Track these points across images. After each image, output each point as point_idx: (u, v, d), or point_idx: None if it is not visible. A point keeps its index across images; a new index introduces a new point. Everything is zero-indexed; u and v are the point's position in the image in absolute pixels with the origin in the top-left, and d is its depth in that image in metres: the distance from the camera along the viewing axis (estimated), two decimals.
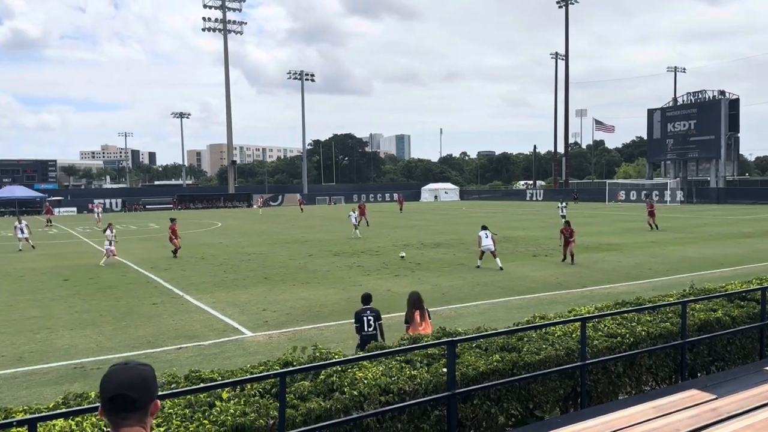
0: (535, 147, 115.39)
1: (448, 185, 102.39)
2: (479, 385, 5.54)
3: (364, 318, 8.70)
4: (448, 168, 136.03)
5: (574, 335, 6.60)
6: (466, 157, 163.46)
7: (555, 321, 6.89)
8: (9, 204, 69.70)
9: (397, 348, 5.70)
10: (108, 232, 23.59)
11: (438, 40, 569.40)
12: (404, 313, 8.93)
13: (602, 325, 7.02)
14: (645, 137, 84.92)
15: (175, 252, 24.64)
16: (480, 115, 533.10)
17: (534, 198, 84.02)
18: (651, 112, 76.57)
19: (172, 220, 26.09)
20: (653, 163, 78.99)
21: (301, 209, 64.35)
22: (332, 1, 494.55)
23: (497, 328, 6.82)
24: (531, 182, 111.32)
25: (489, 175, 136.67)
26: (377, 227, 39.05)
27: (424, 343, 5.91)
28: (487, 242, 20.28)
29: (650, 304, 7.79)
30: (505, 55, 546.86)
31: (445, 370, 5.41)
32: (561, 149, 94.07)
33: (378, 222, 44.18)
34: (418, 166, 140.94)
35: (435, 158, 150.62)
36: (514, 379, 5.76)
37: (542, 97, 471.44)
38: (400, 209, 57.70)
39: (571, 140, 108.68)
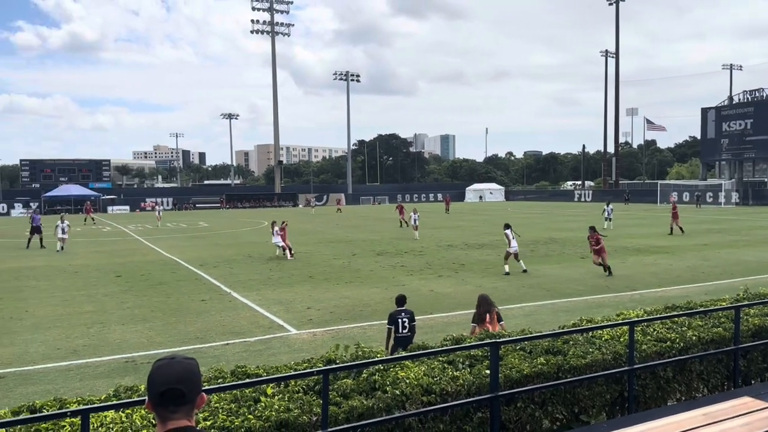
0: (584, 147, 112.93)
1: (494, 185, 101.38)
2: (523, 388, 5.47)
3: (399, 320, 8.68)
4: (493, 168, 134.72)
5: (621, 339, 6.45)
6: (512, 157, 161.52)
7: (602, 324, 6.74)
8: (65, 202, 72.54)
9: (440, 348, 5.68)
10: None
11: (485, 39, 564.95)
12: (472, 313, 8.85)
13: (651, 329, 6.83)
14: (698, 137, 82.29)
15: (289, 250, 24.01)
16: (527, 114, 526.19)
17: (582, 199, 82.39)
18: (705, 111, 74.08)
19: (284, 222, 26.36)
20: (707, 163, 76.47)
21: (339, 209, 64.35)
22: (379, 1, 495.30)
23: (542, 331, 6.72)
24: (579, 183, 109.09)
25: (535, 176, 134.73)
26: (420, 228, 38.97)
27: (466, 344, 5.88)
28: (515, 243, 19.30)
29: (702, 309, 7.54)
30: (554, 54, 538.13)
31: (488, 371, 5.37)
32: (611, 149, 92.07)
33: (421, 222, 44.08)
34: (462, 166, 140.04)
35: (480, 158, 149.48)
36: (559, 383, 5.67)
37: (592, 95, 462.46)
38: (447, 210, 57.15)
39: (621, 140, 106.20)
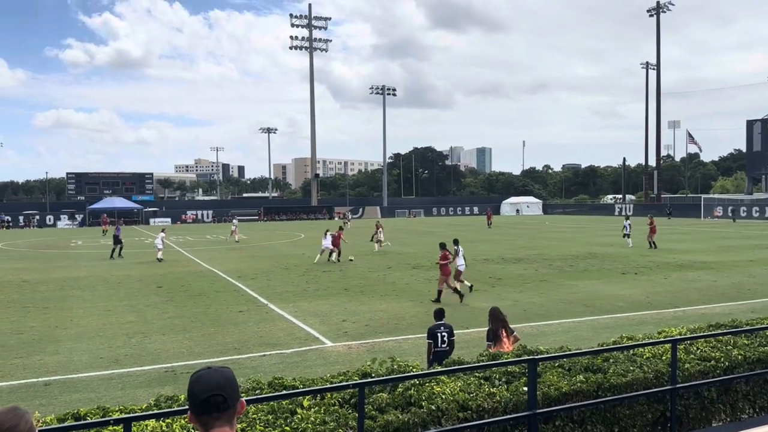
0: (624, 159, 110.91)
1: (531, 199, 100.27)
2: (562, 406, 5.38)
3: (438, 334, 8.62)
4: (530, 181, 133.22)
5: (664, 357, 6.29)
6: (550, 170, 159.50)
7: (644, 342, 6.59)
8: (109, 214, 74.52)
9: (476, 364, 5.64)
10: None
11: (524, 51, 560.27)
12: (486, 330, 8.71)
13: (695, 348, 6.64)
14: (744, 150, 79.94)
15: (338, 254, 27.15)
16: (566, 126, 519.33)
17: (623, 213, 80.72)
18: (750, 124, 72.07)
19: (341, 228, 28.89)
20: (753, 177, 74.15)
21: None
22: (417, 15, 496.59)
23: (581, 348, 6.60)
24: (620, 196, 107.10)
25: (574, 189, 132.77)
26: None
27: (503, 360, 5.81)
28: (460, 260, 17.77)
29: (748, 327, 7.30)
30: (593, 66, 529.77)
31: (525, 388, 5.29)
32: (652, 162, 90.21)
33: (457, 236, 43.85)
34: (499, 179, 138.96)
35: (517, 171, 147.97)
36: (598, 401, 5.55)
37: (633, 107, 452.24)
38: (489, 224, 55.26)
39: (663, 152, 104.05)
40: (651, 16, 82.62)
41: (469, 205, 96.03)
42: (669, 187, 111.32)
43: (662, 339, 6.59)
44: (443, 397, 5.05)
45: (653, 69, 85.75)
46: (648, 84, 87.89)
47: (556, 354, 5.95)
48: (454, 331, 8.98)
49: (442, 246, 17.38)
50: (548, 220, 69.47)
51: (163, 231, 31.78)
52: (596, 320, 14.12)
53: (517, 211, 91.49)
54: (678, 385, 5.91)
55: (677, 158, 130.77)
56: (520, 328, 13.29)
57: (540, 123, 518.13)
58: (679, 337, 6.62)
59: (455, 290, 16.79)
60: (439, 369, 5.81)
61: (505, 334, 8.33)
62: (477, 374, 5.60)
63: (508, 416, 5.13)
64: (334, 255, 27.17)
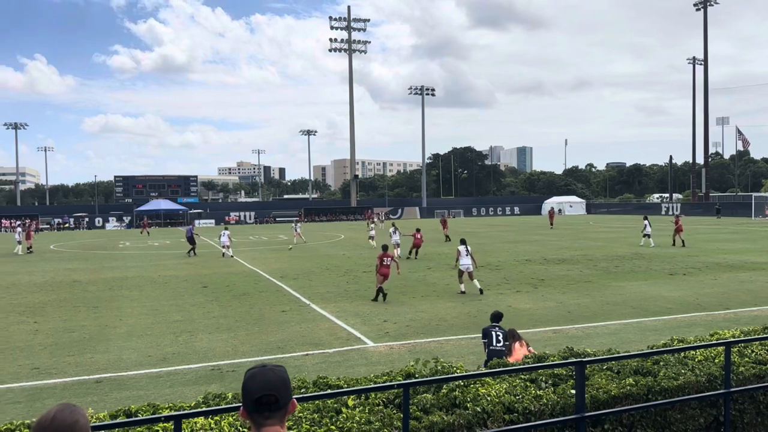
0: (671, 158, 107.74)
1: (574, 198, 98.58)
2: (611, 410, 5.26)
3: (493, 333, 8.57)
4: (573, 180, 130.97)
5: (716, 360, 6.10)
6: (593, 169, 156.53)
7: (695, 345, 6.40)
8: (156, 216, 76.49)
9: (522, 366, 5.57)
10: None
11: (566, 48, 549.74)
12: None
13: (749, 351, 6.42)
14: None
15: (416, 252, 28.81)
16: (609, 124, 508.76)
17: (670, 212, 78.62)
18: None
19: (418, 230, 29.81)
20: None
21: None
22: (458, 14, 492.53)
23: (629, 351, 6.46)
24: (666, 195, 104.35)
25: (619, 188, 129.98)
26: (497, 241, 38.44)
27: (550, 363, 5.73)
28: (467, 260, 17.81)
29: None
30: (638, 62, 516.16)
31: (572, 391, 5.20)
32: (700, 160, 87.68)
33: (497, 236, 43.46)
34: (540, 179, 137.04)
35: (559, 170, 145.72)
36: (648, 405, 5.41)
37: (679, 104, 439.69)
38: (551, 224, 51.89)
39: (711, 150, 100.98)
40: (698, 10, 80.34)
41: (510, 205, 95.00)
42: (718, 185, 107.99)
43: (715, 341, 6.40)
44: (489, 398, 5.00)
45: (700, 64, 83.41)
46: (695, 80, 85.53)
47: (605, 356, 5.82)
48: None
49: (384, 248, 17.87)
50: (592, 220, 68.18)
51: (226, 229, 32.93)
52: (643, 322, 13.78)
53: (560, 210, 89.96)
54: (732, 389, 5.72)
55: (726, 156, 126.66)
56: (564, 330, 13.10)
57: (583, 121, 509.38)
58: (732, 339, 6.41)
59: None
60: (484, 371, 5.76)
61: (517, 347, 8.20)
62: (523, 376, 5.53)
63: (556, 419, 5.04)
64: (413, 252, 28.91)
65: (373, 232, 37.31)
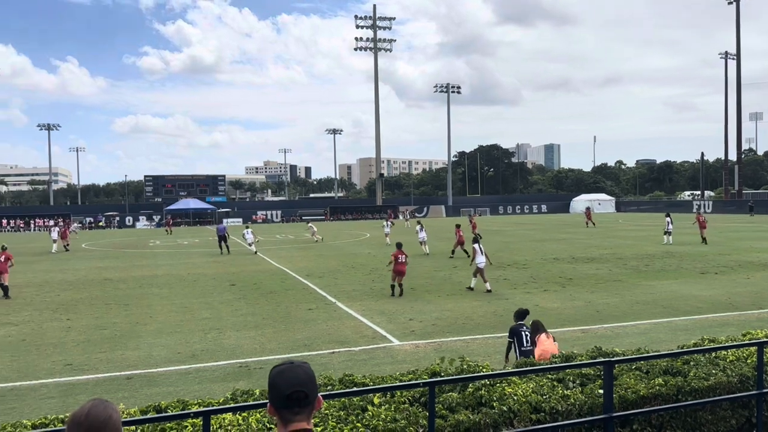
0: (702, 154, 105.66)
1: (602, 196, 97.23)
2: (640, 410, 5.20)
3: (522, 332, 8.49)
4: (602, 178, 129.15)
5: (749, 361, 5.97)
6: (623, 166, 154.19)
7: (726, 345, 6.28)
8: (184, 215, 77.60)
9: (549, 365, 5.52)
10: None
11: (594, 44, 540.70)
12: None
13: None
14: None
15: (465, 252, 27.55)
16: (639, 121, 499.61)
17: (702, 210, 77.13)
18: None
19: (458, 226, 30.09)
20: None
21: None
22: (484, 11, 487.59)
23: (659, 350, 6.36)
24: (698, 192, 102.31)
25: (649, 185, 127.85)
26: (524, 240, 38.15)
27: (577, 362, 5.67)
28: (482, 258, 18.23)
29: None
30: (668, 57, 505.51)
31: (601, 391, 5.14)
32: (732, 156, 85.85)
33: (524, 234, 43.13)
34: (568, 176, 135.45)
35: (587, 168, 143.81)
36: (678, 405, 5.33)
37: (711, 99, 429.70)
38: (588, 223, 50.23)
39: (744, 146, 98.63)
40: (730, 3, 78.59)
41: (537, 203, 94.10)
42: (751, 182, 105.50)
43: (747, 341, 6.27)
44: (515, 398, 4.98)
45: (732, 59, 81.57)
46: (727, 74, 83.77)
47: (633, 356, 5.75)
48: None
49: (398, 246, 18.78)
50: (621, 218, 67.24)
51: (247, 227, 34.56)
52: (674, 322, 13.56)
53: (588, 209, 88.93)
54: (765, 390, 5.60)
55: (760, 152, 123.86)
56: (593, 329, 12.96)
57: (611, 117, 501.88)
58: (765, 339, 6.26)
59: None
60: (510, 370, 5.73)
61: (543, 338, 8.12)
62: (550, 376, 5.49)
63: (583, 419, 5.00)
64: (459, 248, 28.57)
65: (387, 230, 37.91)
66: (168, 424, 4.40)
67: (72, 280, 23.20)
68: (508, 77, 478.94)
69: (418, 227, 32.53)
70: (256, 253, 31.90)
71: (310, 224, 46.11)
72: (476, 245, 18.56)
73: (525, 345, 8.38)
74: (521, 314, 8.91)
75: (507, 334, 8.97)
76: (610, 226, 52.07)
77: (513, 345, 8.55)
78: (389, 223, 40.48)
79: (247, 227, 34.84)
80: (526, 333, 8.45)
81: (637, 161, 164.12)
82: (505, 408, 4.86)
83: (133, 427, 4.34)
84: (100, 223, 75.04)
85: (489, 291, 17.78)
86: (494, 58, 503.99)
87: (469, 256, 27.12)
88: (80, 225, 72.17)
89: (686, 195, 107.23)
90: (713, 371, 5.72)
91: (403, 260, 17.88)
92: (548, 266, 23.78)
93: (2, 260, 19.54)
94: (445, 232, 47.76)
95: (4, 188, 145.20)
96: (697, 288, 17.85)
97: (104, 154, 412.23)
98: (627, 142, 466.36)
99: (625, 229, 46.32)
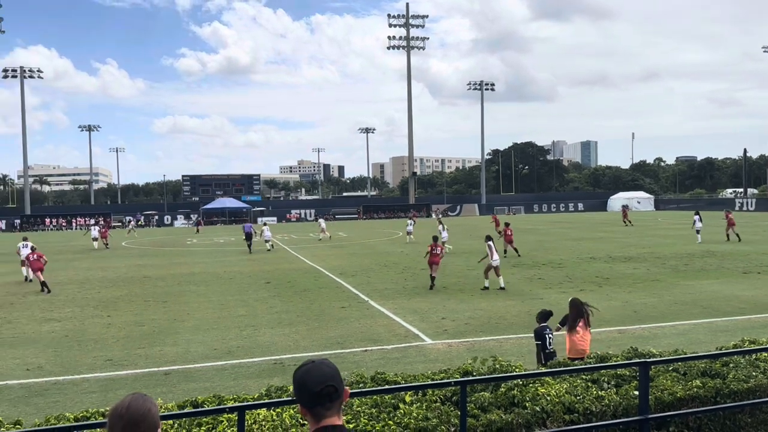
0: (745, 151, 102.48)
1: (641, 194, 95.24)
2: (676, 412, 5.10)
3: (546, 335, 8.42)
4: (640, 175, 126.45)
5: None
6: (662, 163, 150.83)
7: (767, 346, 6.11)
8: (221, 214, 78.83)
9: (583, 366, 5.46)
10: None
11: (633, 39, 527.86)
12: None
13: None
14: None
15: (515, 250, 27.50)
16: (679, 117, 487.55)
17: (745, 207, 74.96)
18: None
19: (507, 224, 29.47)
20: None
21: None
22: (520, 7, 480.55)
23: (697, 352, 6.23)
24: (740, 190, 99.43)
25: (689, 183, 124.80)
26: (560, 239, 37.67)
27: (612, 363, 5.60)
28: (497, 256, 18.71)
29: None
30: (709, 51, 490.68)
31: (636, 392, 5.07)
32: None
33: (559, 233, 42.57)
34: (605, 174, 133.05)
35: (625, 165, 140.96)
36: (717, 408, 5.21)
37: (754, 94, 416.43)
38: (625, 221, 48.97)
39: None
40: None
41: (573, 201, 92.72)
42: None
43: None
44: (548, 398, 4.94)
45: None
46: None
47: (670, 357, 5.65)
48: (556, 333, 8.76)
49: (435, 239, 19.75)
50: (661, 216, 65.78)
51: (265, 225, 37.01)
52: (714, 323, 13.23)
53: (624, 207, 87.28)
54: None
55: None
56: (630, 330, 12.74)
57: (651, 114, 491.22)
58: None
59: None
60: (544, 370, 5.69)
61: (582, 325, 8.11)
62: (584, 376, 5.43)
63: (618, 420, 4.93)
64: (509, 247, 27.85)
65: (410, 228, 38.83)
66: (204, 419, 4.50)
67: (112, 277, 23.80)
68: (543, 73, 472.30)
69: (440, 227, 32.58)
70: (269, 249, 33.71)
71: (320, 220, 47.45)
72: (490, 242, 19.02)
73: (548, 347, 8.32)
74: (545, 315, 8.79)
75: (534, 335, 8.88)
76: (648, 224, 51.01)
77: (540, 348, 8.48)
78: (412, 221, 41.06)
79: (265, 225, 37.40)
80: (550, 336, 8.40)
81: (677, 158, 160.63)
82: (537, 408, 4.83)
83: (171, 421, 4.45)
84: (140, 222, 76.79)
85: (503, 288, 18.06)
86: (529, 54, 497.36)
87: (519, 255, 26.97)
88: (136, 222, 73.79)
89: (728, 193, 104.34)
90: (753, 373, 5.59)
91: (438, 252, 18.93)
92: (584, 265, 23.44)
93: (35, 258, 20.75)
94: (478, 230, 47.46)
95: (47, 188, 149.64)
96: (738, 288, 17.38)
97: (143, 154, 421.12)
98: (666, 138, 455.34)
99: (664, 228, 45.33)
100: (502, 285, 18.21)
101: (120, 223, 76.28)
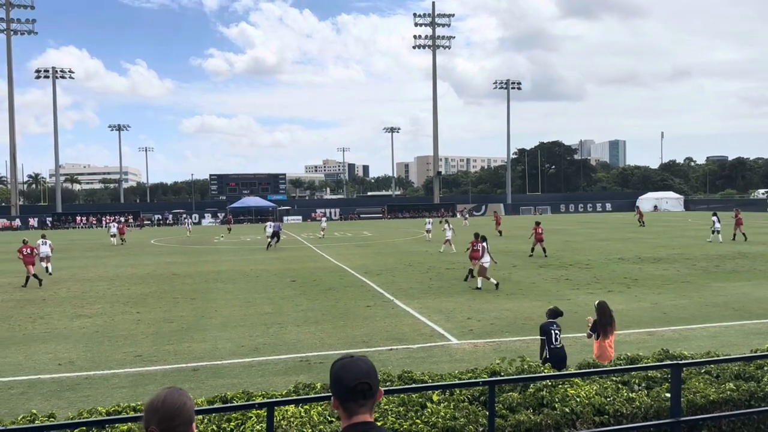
0: None
1: (670, 194, 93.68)
2: (709, 415, 5.01)
3: (552, 331, 8.37)
4: (670, 175, 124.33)
5: None
6: (692, 163, 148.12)
7: None
8: (247, 212, 79.60)
9: (613, 367, 5.40)
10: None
11: (663, 37, 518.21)
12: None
13: None
14: None
15: (543, 249, 27.39)
16: (710, 116, 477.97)
17: None
18: None
19: (538, 223, 29.07)
20: None
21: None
22: (548, 5, 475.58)
23: (730, 354, 6.11)
24: None
25: (720, 183, 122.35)
26: (587, 239, 37.23)
27: (643, 365, 5.52)
28: (487, 257, 18.80)
29: None
30: (741, 49, 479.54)
31: (668, 395, 4.99)
32: None
33: (587, 234, 42.08)
34: (634, 174, 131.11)
35: (654, 165, 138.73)
36: (751, 411, 5.11)
37: None
38: (641, 222, 48.12)
39: None
40: None
41: (601, 202, 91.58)
42: None
43: None
44: (578, 399, 4.89)
45: None
46: None
47: (703, 359, 5.55)
48: (584, 335, 8.68)
49: (476, 236, 19.75)
50: (691, 217, 64.62)
51: (273, 219, 38.54)
52: (746, 325, 12.95)
53: (655, 207, 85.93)
54: None
55: None
56: (659, 332, 12.54)
57: (681, 112, 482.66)
58: None
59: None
60: (573, 371, 5.63)
61: (610, 330, 8.09)
62: (614, 378, 5.37)
63: (649, 423, 4.86)
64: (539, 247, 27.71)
65: (429, 227, 40.00)
66: (233, 414, 4.55)
67: (141, 274, 24.18)
68: (571, 72, 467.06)
69: (445, 226, 32.52)
70: (268, 247, 34.71)
71: (322, 217, 48.48)
72: (484, 243, 19.15)
73: (554, 343, 8.28)
74: (555, 313, 8.78)
75: (574, 335, 8.82)
76: (678, 225, 50.14)
77: (544, 343, 8.43)
78: (430, 221, 42.00)
79: (273, 219, 38.47)
80: (557, 331, 8.39)
81: (707, 158, 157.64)
82: (567, 409, 4.78)
83: (201, 416, 4.50)
84: (168, 221, 77.96)
85: (479, 288, 18.26)
86: (557, 52, 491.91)
87: (546, 255, 26.76)
88: (150, 222, 74.91)
89: (760, 193, 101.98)
90: None
91: (478, 248, 19.12)
92: (612, 266, 23.14)
93: (28, 252, 21.69)
94: (505, 230, 47.24)
95: (78, 187, 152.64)
96: None
97: (172, 153, 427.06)
98: (697, 137, 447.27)
99: (694, 229, 44.50)
100: (479, 285, 18.35)
101: (149, 222, 77.47)
